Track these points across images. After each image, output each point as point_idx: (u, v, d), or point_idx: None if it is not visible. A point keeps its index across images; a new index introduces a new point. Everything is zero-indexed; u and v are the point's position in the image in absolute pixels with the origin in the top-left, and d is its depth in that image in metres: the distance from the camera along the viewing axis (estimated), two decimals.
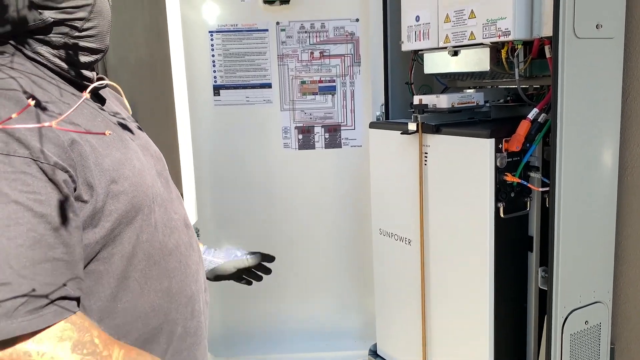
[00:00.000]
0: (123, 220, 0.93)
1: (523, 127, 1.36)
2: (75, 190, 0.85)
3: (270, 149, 1.83)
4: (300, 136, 1.83)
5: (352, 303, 1.98)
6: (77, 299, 0.84)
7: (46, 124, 0.69)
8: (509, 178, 1.37)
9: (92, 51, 0.99)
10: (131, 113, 1.20)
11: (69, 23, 0.94)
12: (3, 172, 0.78)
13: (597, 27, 1.31)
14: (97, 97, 1.07)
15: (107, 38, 1.01)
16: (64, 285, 0.81)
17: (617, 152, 1.41)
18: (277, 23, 1.76)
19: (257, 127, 1.81)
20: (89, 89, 0.75)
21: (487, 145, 1.35)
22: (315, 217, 1.89)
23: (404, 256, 1.66)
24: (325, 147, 1.87)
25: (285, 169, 1.85)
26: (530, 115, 1.37)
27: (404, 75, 1.79)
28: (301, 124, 1.83)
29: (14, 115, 0.66)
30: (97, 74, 1.08)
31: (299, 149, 1.83)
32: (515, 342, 1.52)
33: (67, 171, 0.83)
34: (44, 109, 0.89)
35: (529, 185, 1.38)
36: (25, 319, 0.75)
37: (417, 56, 1.72)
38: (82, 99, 0.78)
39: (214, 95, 1.68)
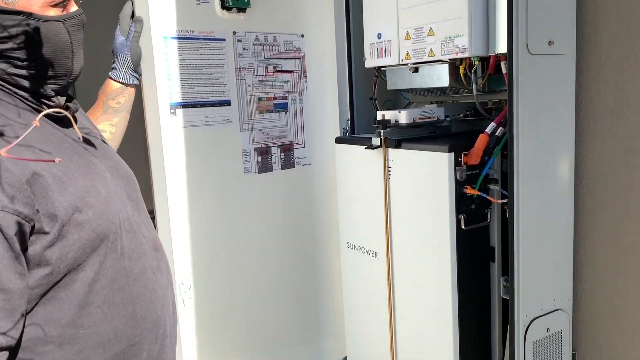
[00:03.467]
0: (87, 249, 0.93)
1: (481, 141, 1.40)
2: (33, 227, 0.86)
3: (231, 175, 1.72)
4: (259, 158, 1.80)
5: (322, 319, 1.98)
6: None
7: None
8: (469, 191, 1.40)
9: (53, 77, 0.98)
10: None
11: (5, 54, 0.93)
12: None
13: (549, 44, 1.36)
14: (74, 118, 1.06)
15: (70, 62, 1.00)
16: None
17: (573, 163, 1.46)
18: (234, 33, 1.67)
19: (218, 152, 1.68)
20: (37, 118, 0.74)
21: (446, 159, 1.39)
22: (278, 244, 1.85)
23: (371, 269, 1.68)
24: (282, 168, 1.85)
25: (248, 195, 1.76)
26: (488, 129, 1.41)
27: (366, 90, 1.83)
28: (259, 145, 1.79)
29: None
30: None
31: (259, 172, 1.79)
32: (481, 351, 1.55)
33: (21, 214, 0.83)
34: (8, 142, 0.89)
35: (488, 197, 1.42)
36: None
37: (379, 72, 1.76)
38: (30, 129, 0.78)
39: (170, 115, 1.55)
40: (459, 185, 1.41)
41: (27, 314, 0.88)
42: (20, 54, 0.93)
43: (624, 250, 1.45)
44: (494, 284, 1.52)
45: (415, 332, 1.59)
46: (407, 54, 1.58)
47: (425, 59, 1.52)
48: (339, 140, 1.77)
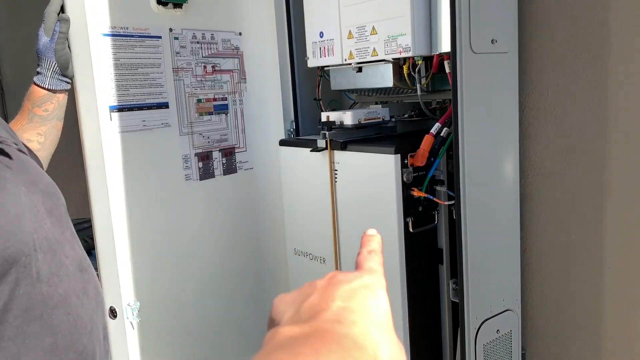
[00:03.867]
0: None
1: (426, 142, 1.37)
2: None
3: (172, 184, 1.61)
4: (201, 164, 1.71)
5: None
6: None
7: None
8: (416, 193, 1.37)
9: None
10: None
11: None
12: None
13: (492, 42, 1.34)
14: None
15: None
16: None
17: (518, 162, 1.45)
18: (170, 30, 1.58)
19: (157, 159, 1.57)
20: None
21: (392, 161, 1.35)
22: (223, 253, 1.77)
23: (320, 274, 1.63)
24: (224, 174, 1.77)
25: (190, 205, 1.66)
26: (433, 130, 1.39)
27: (310, 91, 1.78)
28: (200, 150, 1.71)
29: None
30: None
31: (200, 179, 1.70)
32: (431, 354, 1.53)
33: None
34: None
35: (435, 199, 1.39)
36: None
37: (323, 72, 1.71)
38: None
39: (109, 119, 1.48)
40: (406, 187, 1.37)
41: None
42: None
43: (570, 248, 1.45)
44: (443, 287, 1.50)
45: None
46: (350, 53, 1.54)
47: (369, 58, 1.48)
48: (283, 143, 1.71)
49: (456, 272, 1.41)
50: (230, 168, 1.80)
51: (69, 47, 1.38)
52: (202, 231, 1.72)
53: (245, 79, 1.82)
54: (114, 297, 1.42)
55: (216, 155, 1.75)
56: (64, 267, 0.97)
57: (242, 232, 1.83)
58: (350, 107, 1.87)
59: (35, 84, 1.33)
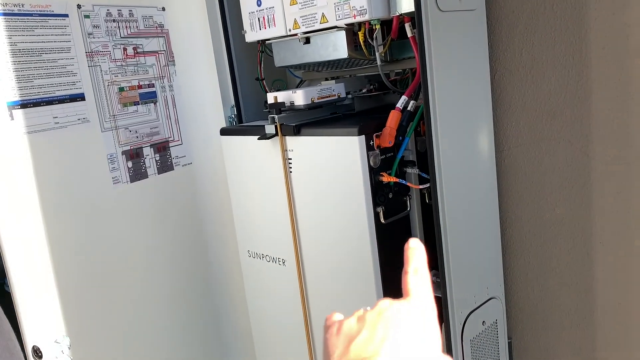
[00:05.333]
0: None
1: (393, 119, 1.19)
2: None
3: (97, 190, 1.38)
4: (130, 163, 1.47)
5: (229, 341, 1.71)
6: None
7: None
8: (386, 178, 1.19)
9: None
10: None
11: None
12: None
13: None
14: None
15: None
16: None
17: (492, 134, 1.30)
18: (79, 6, 1.33)
19: (76, 161, 1.33)
20: None
21: (357, 144, 1.16)
22: (166, 262, 1.54)
23: (280, 279, 1.44)
24: (159, 172, 1.53)
25: (121, 212, 1.43)
26: (399, 104, 1.20)
27: (251, 70, 1.56)
28: (128, 147, 1.46)
29: None
30: None
31: (132, 180, 1.45)
32: None
33: None
34: None
35: (408, 184, 1.21)
36: None
37: (264, 47, 1.49)
38: None
39: (10, 118, 1.18)
40: (374, 173, 1.19)
41: None
42: None
43: (555, 224, 1.32)
44: None
45: None
46: (295, 22, 1.33)
47: (317, 26, 1.28)
48: (224, 132, 1.49)
49: (435, 263, 1.24)
50: (165, 165, 1.56)
51: None
52: (138, 242, 1.48)
53: (173, 61, 1.58)
54: (36, 333, 1.17)
55: (147, 151, 1.51)
56: None
57: (186, 238, 1.60)
58: (298, 86, 1.67)
59: None
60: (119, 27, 1.44)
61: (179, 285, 1.58)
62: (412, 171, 1.25)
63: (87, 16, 1.36)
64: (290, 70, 1.63)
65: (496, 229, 1.34)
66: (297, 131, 1.27)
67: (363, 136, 1.17)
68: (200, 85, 1.60)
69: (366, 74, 1.47)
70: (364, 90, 1.41)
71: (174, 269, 1.57)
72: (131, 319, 1.46)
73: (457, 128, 1.19)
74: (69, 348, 1.21)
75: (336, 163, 1.22)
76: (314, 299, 1.38)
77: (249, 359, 1.68)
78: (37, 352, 1.17)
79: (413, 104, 1.21)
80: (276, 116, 1.29)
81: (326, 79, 1.58)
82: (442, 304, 1.23)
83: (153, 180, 1.52)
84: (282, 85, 1.69)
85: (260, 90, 1.55)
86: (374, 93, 1.40)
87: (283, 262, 1.42)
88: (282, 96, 1.31)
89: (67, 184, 1.32)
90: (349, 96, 1.39)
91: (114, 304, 1.42)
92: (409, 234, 1.31)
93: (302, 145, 1.28)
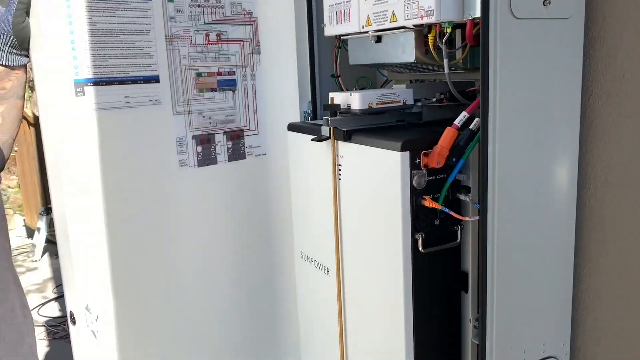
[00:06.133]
0: None
1: (447, 137, 1.05)
2: None
3: (162, 170, 1.40)
4: (199, 148, 1.48)
5: (279, 332, 1.68)
6: None
7: None
8: (428, 203, 1.05)
9: None
10: None
11: None
12: None
13: (544, 4, 0.98)
14: None
15: None
16: None
17: (575, 169, 1.09)
18: None
19: (143, 141, 1.36)
20: None
21: (398, 160, 1.04)
22: (225, 251, 1.54)
23: (324, 286, 1.37)
24: (229, 160, 1.52)
25: (183, 195, 1.44)
26: (457, 121, 1.05)
27: (330, 65, 1.48)
28: (199, 132, 1.46)
29: None
30: None
31: (199, 165, 1.46)
32: None
33: None
34: None
35: (451, 213, 1.06)
36: None
37: (341, 42, 1.41)
38: None
39: (77, 95, 1.24)
40: (416, 194, 1.06)
41: None
42: None
43: None
44: (466, 320, 1.18)
45: None
46: (368, 18, 1.23)
47: (387, 25, 1.17)
48: (290, 128, 1.44)
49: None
50: (237, 153, 1.56)
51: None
52: (199, 225, 1.50)
53: (259, 49, 1.56)
54: (70, 299, 1.24)
55: (220, 138, 1.52)
56: None
57: (248, 227, 1.60)
58: (382, 85, 1.56)
59: None
60: (203, 12, 1.45)
61: (235, 272, 1.58)
62: (466, 198, 1.09)
63: (170, 0, 1.39)
64: (378, 68, 1.53)
65: (568, 279, 1.14)
66: (348, 137, 1.18)
67: (407, 152, 1.04)
68: (282, 76, 1.57)
69: (455, 80, 1.32)
70: (434, 100, 1.27)
71: (232, 256, 1.57)
72: (184, 298, 1.49)
73: (523, 157, 1.02)
74: (97, 320, 1.27)
75: (378, 177, 1.11)
76: (350, 315, 1.29)
77: (295, 348, 1.63)
78: (71, 316, 1.24)
79: (477, 122, 1.05)
80: (329, 118, 1.20)
81: (410, 81, 1.45)
82: (478, 352, 1.07)
83: (222, 166, 1.53)
84: (368, 83, 1.59)
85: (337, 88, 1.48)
86: (444, 103, 1.25)
87: (328, 271, 1.34)
88: (339, 98, 1.22)
89: (132, 161, 1.37)
90: (418, 104, 1.26)
91: (167, 281, 1.45)
92: (458, 267, 1.16)
93: (351, 152, 1.19)
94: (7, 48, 1.16)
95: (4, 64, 1.16)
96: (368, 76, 1.59)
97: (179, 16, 1.41)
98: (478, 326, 1.08)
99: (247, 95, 1.55)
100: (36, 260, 4.06)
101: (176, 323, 1.48)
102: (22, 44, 1.17)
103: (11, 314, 1.20)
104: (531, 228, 1.06)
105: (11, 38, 1.15)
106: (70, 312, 1.24)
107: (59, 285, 3.58)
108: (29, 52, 1.20)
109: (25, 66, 1.20)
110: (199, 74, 1.46)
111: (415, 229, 1.07)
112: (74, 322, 1.23)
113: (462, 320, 1.18)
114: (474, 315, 1.15)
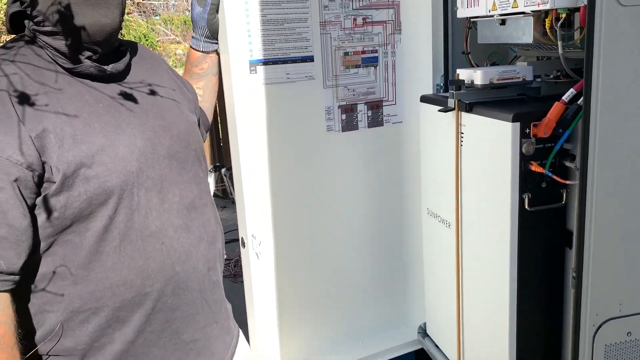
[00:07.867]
0: (94, 202, 1.03)
1: (555, 111, 1.20)
2: (42, 176, 0.98)
3: (313, 133, 1.70)
4: (344, 116, 1.75)
5: (407, 283, 1.93)
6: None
7: None
8: (534, 167, 1.22)
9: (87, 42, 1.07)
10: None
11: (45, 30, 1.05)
12: None
13: None
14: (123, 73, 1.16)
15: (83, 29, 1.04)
16: None
17: None
18: None
19: (299, 109, 1.67)
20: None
21: (509, 130, 1.22)
22: (361, 204, 1.79)
23: (446, 239, 1.58)
24: (369, 127, 1.78)
25: (329, 155, 1.73)
26: (566, 97, 1.20)
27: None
28: (344, 102, 1.73)
29: None
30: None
31: (342, 130, 1.74)
32: (547, 350, 1.39)
33: (24, 164, 0.96)
34: (32, 104, 1.01)
35: (554, 177, 1.22)
36: None
37: (471, 23, 1.58)
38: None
39: (250, 72, 1.56)
40: (525, 160, 1.23)
41: (46, 250, 1.02)
42: (56, 28, 1.04)
43: None
44: (568, 274, 1.33)
45: (480, 312, 1.47)
46: (494, 3, 1.39)
47: (510, 10, 1.32)
48: (423, 99, 1.65)
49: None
50: (376, 121, 1.80)
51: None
52: (343, 181, 1.79)
53: (400, 29, 1.78)
54: (241, 229, 1.61)
55: (361, 107, 1.78)
56: (167, 203, 1.14)
57: (384, 185, 1.85)
58: (512, 61, 1.70)
59: (191, 47, 1.52)
60: (352, 0, 1.69)
61: (371, 223, 1.85)
62: (571, 165, 1.24)
63: None
64: (510, 47, 1.67)
65: None
66: (469, 108, 1.37)
67: (518, 123, 1.21)
68: (419, 53, 1.77)
69: (574, 57, 1.44)
70: (551, 76, 1.40)
71: (369, 208, 1.84)
72: (327, 238, 1.78)
73: (624, 130, 1.14)
74: (259, 244, 1.62)
75: (493, 144, 1.29)
76: (466, 265, 1.50)
77: (420, 290, 1.87)
78: (242, 241, 1.61)
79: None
80: (454, 92, 1.40)
81: (538, 58, 1.58)
82: (574, 302, 1.23)
83: (362, 132, 1.79)
84: (499, 58, 1.74)
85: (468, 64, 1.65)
86: (560, 80, 1.37)
87: (449, 225, 1.56)
88: (464, 74, 1.41)
89: (291, 127, 1.68)
90: (538, 79, 1.40)
91: (316, 220, 1.75)
92: (564, 225, 1.31)
93: (472, 122, 1.38)
94: (203, 38, 1.50)
95: (201, 50, 1.51)
96: (499, 52, 1.73)
97: (331, 5, 1.67)
98: (575, 276, 1.23)
99: (387, 70, 1.78)
100: None
101: (320, 256, 1.78)
102: (213, 35, 1.51)
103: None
104: (630, 194, 1.18)
105: (206, 31, 1.50)
106: (242, 237, 1.61)
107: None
108: (217, 40, 1.54)
109: (215, 51, 1.54)
110: (346, 53, 1.72)
111: (522, 189, 1.25)
112: (243, 245, 1.60)
113: (565, 273, 1.33)
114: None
